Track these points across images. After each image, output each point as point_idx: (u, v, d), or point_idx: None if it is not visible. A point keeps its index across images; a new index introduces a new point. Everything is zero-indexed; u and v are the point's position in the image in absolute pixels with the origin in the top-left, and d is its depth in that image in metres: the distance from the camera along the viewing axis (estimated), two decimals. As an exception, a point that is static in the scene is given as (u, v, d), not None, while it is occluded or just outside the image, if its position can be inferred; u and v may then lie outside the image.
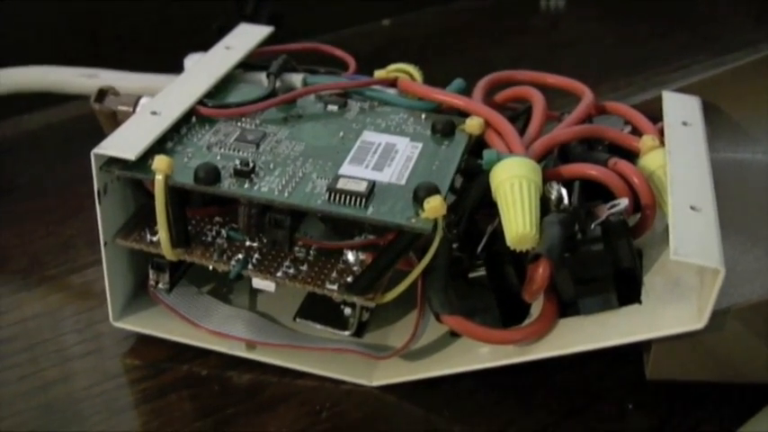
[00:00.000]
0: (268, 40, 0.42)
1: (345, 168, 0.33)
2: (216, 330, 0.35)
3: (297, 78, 0.39)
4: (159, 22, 0.59)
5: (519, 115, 0.39)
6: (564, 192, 0.33)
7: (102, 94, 0.39)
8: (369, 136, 0.35)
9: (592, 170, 0.34)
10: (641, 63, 0.61)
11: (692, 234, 0.29)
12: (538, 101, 0.37)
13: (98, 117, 0.39)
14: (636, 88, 0.58)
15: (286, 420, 0.33)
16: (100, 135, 0.52)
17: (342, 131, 0.35)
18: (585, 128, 0.37)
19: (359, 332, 0.36)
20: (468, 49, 0.64)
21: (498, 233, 0.33)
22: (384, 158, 0.34)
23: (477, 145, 0.36)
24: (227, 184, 0.32)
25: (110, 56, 0.59)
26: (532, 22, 0.68)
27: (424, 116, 0.37)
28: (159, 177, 0.31)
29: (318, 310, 0.36)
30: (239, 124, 0.35)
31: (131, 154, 0.32)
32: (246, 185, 0.32)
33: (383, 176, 0.32)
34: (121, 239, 0.34)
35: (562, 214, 0.32)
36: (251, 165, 0.32)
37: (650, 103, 0.40)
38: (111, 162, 0.32)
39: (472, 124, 0.35)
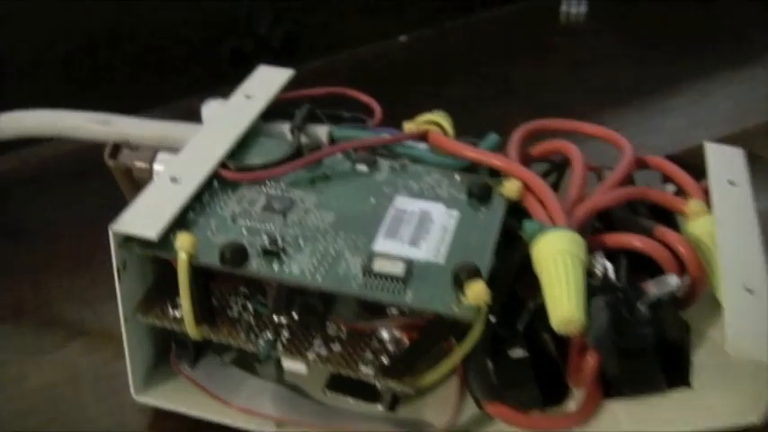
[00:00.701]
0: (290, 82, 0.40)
1: (380, 243, 0.31)
2: (243, 407, 0.34)
3: (322, 131, 0.37)
4: (171, 43, 0.57)
5: (554, 169, 0.38)
6: (609, 266, 0.32)
7: (117, 149, 0.37)
8: (402, 202, 0.33)
9: (638, 242, 0.32)
10: (666, 82, 0.59)
11: (747, 323, 0.28)
12: (577, 159, 0.35)
13: (113, 173, 0.37)
14: (659, 109, 0.57)
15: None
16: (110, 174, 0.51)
17: (373, 197, 0.34)
18: (629, 191, 0.35)
19: (392, 405, 0.34)
20: (488, 67, 0.62)
21: (540, 309, 0.32)
22: (420, 230, 0.32)
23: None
24: (256, 266, 0.30)
25: (120, 77, 0.57)
26: (552, 37, 0.66)
27: (458, 177, 0.35)
28: (183, 257, 0.30)
29: (349, 381, 0.35)
30: (264, 189, 0.34)
31: (153, 232, 0.30)
32: (276, 267, 0.30)
33: (420, 253, 0.31)
34: (142, 315, 0.32)
35: (609, 294, 0.30)
36: (279, 243, 0.30)
37: (692, 152, 0.38)
38: (131, 238, 0.31)
39: (510, 188, 0.34)
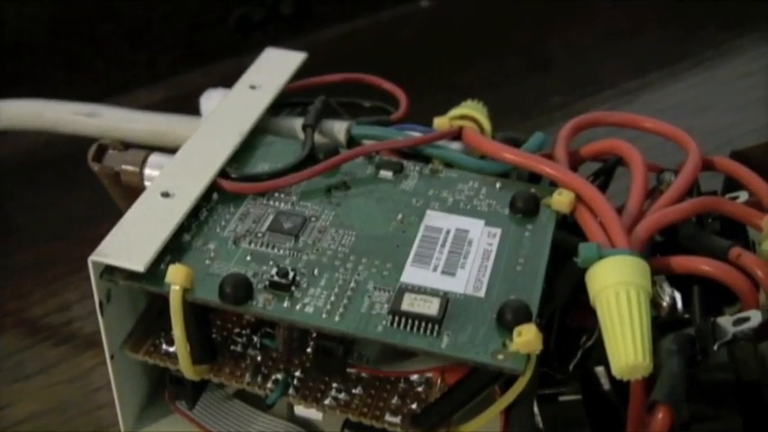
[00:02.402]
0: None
1: (409, 273, 0.26)
2: (250, 450, 0.29)
3: (339, 129, 0.32)
4: (171, 14, 0.52)
5: (603, 171, 0.33)
6: (678, 296, 0.27)
7: (102, 149, 0.32)
8: (434, 219, 0.28)
9: (708, 266, 0.27)
10: (718, 51, 0.54)
11: None
12: (637, 164, 0.30)
13: (99, 178, 0.32)
14: (713, 82, 0.51)
15: None
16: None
17: (400, 213, 0.29)
18: (699, 203, 0.30)
19: (420, 451, 0.30)
20: (519, 35, 0.56)
21: (596, 344, 0.27)
22: (456, 255, 0.27)
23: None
24: (262, 303, 0.25)
25: (116, 53, 0.52)
26: (587, 6, 0.60)
27: (498, 185, 0.30)
28: (175, 291, 0.25)
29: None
30: (272, 202, 0.29)
31: (139, 264, 0.25)
32: (286, 304, 0.25)
33: (457, 285, 0.26)
34: (131, 351, 0.28)
35: (680, 336, 0.26)
36: (290, 275, 0.26)
37: (760, 148, 0.33)
38: (113, 270, 0.26)
39: (561, 201, 0.29)
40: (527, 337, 0.24)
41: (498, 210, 0.29)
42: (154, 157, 0.31)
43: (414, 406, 0.27)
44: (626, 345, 0.24)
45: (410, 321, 0.24)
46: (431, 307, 0.25)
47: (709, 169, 0.32)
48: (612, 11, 0.58)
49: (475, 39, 0.55)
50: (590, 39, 0.56)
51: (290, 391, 0.27)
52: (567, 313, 0.28)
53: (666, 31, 0.56)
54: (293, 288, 0.25)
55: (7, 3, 0.48)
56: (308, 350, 0.27)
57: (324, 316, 0.25)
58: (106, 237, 0.26)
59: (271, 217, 0.28)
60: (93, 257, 0.26)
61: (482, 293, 0.26)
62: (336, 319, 0.25)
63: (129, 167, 0.31)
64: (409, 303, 0.25)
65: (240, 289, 0.25)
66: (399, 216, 0.29)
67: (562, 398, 0.27)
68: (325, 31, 0.55)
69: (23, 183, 0.45)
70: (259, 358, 0.28)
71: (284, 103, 0.34)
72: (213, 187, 0.29)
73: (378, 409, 0.27)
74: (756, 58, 0.53)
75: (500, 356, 0.24)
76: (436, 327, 0.24)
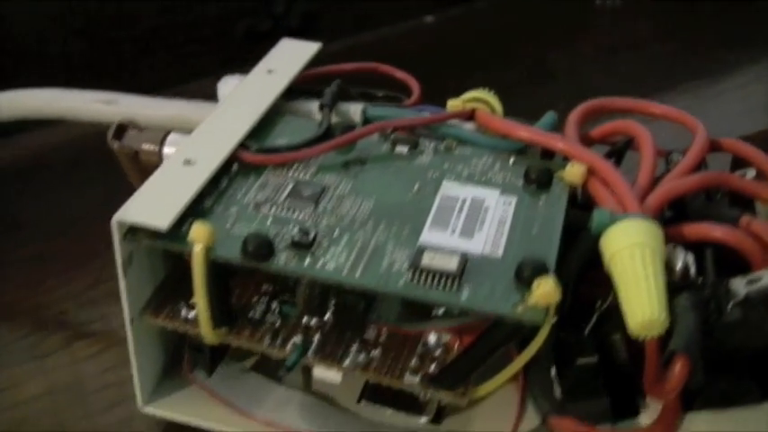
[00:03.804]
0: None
1: (427, 235, 0.27)
2: (266, 419, 0.29)
3: (355, 109, 0.33)
4: (182, 22, 0.53)
5: (614, 153, 0.33)
6: (691, 260, 0.27)
7: (122, 129, 0.33)
8: (450, 189, 0.29)
9: (719, 232, 0.28)
10: (708, 71, 0.55)
11: None
12: (646, 140, 0.31)
13: (117, 157, 0.33)
14: (710, 94, 0.52)
15: None
16: (111, 158, 0.46)
17: (416, 183, 0.29)
18: (708, 176, 0.30)
19: (437, 418, 0.30)
20: (521, 48, 0.57)
21: (610, 312, 0.28)
22: (472, 220, 0.27)
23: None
24: (284, 260, 0.26)
25: (128, 60, 0.53)
26: (588, 20, 0.61)
27: (512, 160, 0.31)
28: (198, 250, 0.25)
29: (387, 391, 0.30)
30: (291, 173, 0.29)
31: (163, 221, 0.26)
32: (308, 261, 0.26)
33: (474, 245, 0.26)
34: (151, 316, 0.28)
35: (695, 293, 0.26)
36: (311, 234, 0.26)
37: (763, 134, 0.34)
38: (138, 229, 0.26)
39: (573, 173, 0.29)
40: (545, 289, 0.24)
41: (513, 181, 0.30)
42: (173, 136, 0.32)
43: (432, 368, 0.27)
44: (642, 301, 0.25)
45: (430, 277, 0.25)
46: (450, 263, 0.25)
47: (717, 150, 0.33)
48: (613, 25, 0.60)
49: (478, 54, 0.56)
50: (591, 53, 0.57)
51: (309, 353, 0.27)
52: (581, 283, 0.28)
53: (666, 45, 0.58)
54: (314, 247, 0.26)
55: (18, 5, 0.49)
56: (328, 312, 0.28)
57: (345, 272, 0.25)
58: (128, 200, 0.27)
59: (290, 186, 0.29)
60: (116, 217, 0.26)
61: (499, 254, 0.26)
62: (357, 274, 0.25)
63: (149, 146, 0.32)
64: (429, 259, 0.25)
65: (262, 246, 0.26)
66: (416, 186, 0.29)
67: (579, 362, 0.28)
68: (330, 45, 0.56)
69: (29, 183, 0.45)
70: (277, 324, 0.28)
71: (299, 90, 0.35)
72: (233, 158, 0.29)
73: (397, 369, 0.27)
74: (757, 72, 0.54)
75: (519, 309, 0.24)
76: (456, 281, 0.25)
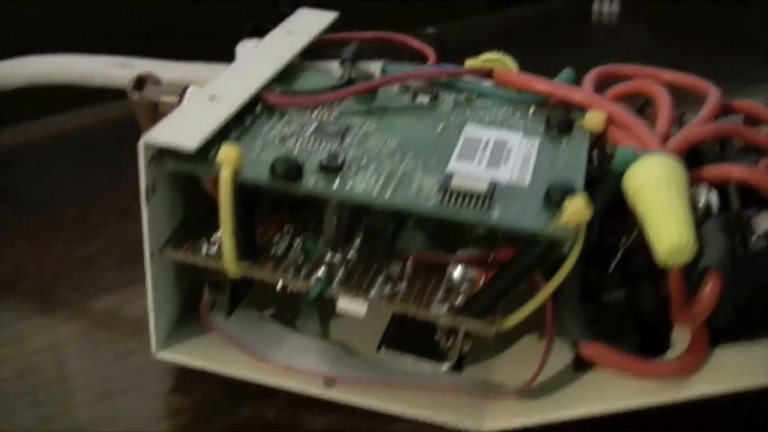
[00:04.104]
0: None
1: (454, 165, 0.27)
2: (285, 364, 0.29)
3: (375, 66, 0.33)
4: (186, 22, 0.54)
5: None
6: (714, 199, 0.28)
7: (142, 82, 0.33)
8: (473, 131, 0.29)
9: (742, 172, 0.28)
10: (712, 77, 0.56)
11: None
12: (663, 97, 0.32)
13: (135, 109, 0.33)
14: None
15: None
16: (119, 144, 0.46)
17: (440, 124, 0.29)
18: (724, 126, 0.31)
19: (459, 365, 0.30)
20: (524, 61, 0.58)
21: (636, 247, 0.28)
22: (497, 155, 0.28)
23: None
24: (313, 182, 0.26)
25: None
26: (587, 32, 0.63)
27: (532, 110, 0.31)
28: (226, 173, 0.25)
29: (407, 338, 0.30)
30: (314, 115, 0.30)
31: (191, 143, 0.26)
32: (337, 183, 0.26)
33: (501, 175, 0.26)
34: (172, 251, 0.28)
35: (721, 220, 0.26)
36: (340, 159, 0.26)
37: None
38: (163, 155, 0.26)
39: (593, 120, 0.30)
40: (577, 206, 0.24)
41: (534, 128, 0.30)
42: (193, 89, 0.32)
43: (459, 300, 0.27)
44: (669, 227, 0.25)
45: (460, 198, 0.25)
46: (480, 184, 0.25)
47: (730, 112, 0.33)
48: (611, 39, 0.61)
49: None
50: (592, 65, 0.58)
51: (334, 284, 0.27)
52: (605, 224, 0.28)
53: (663, 57, 0.59)
54: (343, 171, 0.26)
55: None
56: (354, 246, 0.28)
57: (374, 193, 0.25)
58: (154, 127, 0.27)
59: (315, 125, 0.29)
60: (143, 140, 0.26)
61: (526, 183, 0.26)
62: (387, 195, 0.25)
63: (168, 98, 0.32)
64: (459, 182, 0.25)
65: (291, 168, 0.25)
66: (439, 127, 0.29)
67: (606, 298, 0.27)
68: (362, 32, 0.56)
69: (36, 166, 0.45)
70: (300, 260, 0.28)
71: (317, 53, 0.35)
72: (257, 100, 0.30)
73: (423, 300, 0.27)
74: (758, 84, 0.55)
75: (551, 227, 0.24)
76: (486, 202, 0.25)
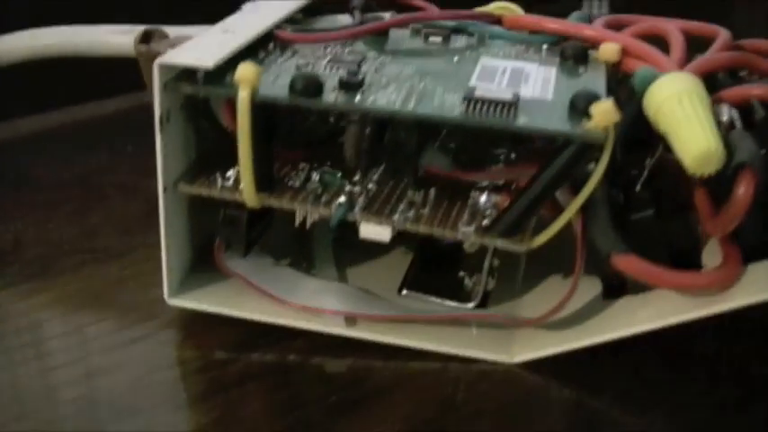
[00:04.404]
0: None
1: (475, 83, 0.26)
2: (304, 305, 0.28)
3: (384, 15, 0.33)
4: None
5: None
6: (736, 114, 0.27)
7: (148, 35, 0.32)
8: (489, 61, 0.29)
9: (762, 90, 0.28)
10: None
11: None
12: (674, 33, 0.31)
13: (141, 64, 0.33)
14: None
15: (410, 407, 0.25)
16: (118, 132, 0.46)
17: (455, 56, 0.29)
18: (738, 56, 0.31)
19: (483, 304, 0.29)
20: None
21: (662, 166, 0.27)
22: (516, 78, 0.27)
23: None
24: (333, 97, 0.25)
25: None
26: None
27: (545, 47, 0.31)
28: (244, 94, 0.25)
29: (429, 280, 0.29)
30: (328, 50, 0.29)
31: (207, 62, 0.25)
32: (358, 98, 0.25)
33: (523, 92, 0.26)
34: (186, 184, 0.27)
35: (747, 130, 0.26)
36: (360, 76, 0.25)
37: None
38: (179, 80, 0.26)
39: (607, 50, 0.29)
40: (605, 107, 0.24)
41: (549, 60, 0.30)
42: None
43: (485, 222, 0.26)
44: (696, 136, 0.24)
45: (485, 106, 0.24)
46: (504, 94, 0.25)
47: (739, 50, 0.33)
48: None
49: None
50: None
51: (356, 209, 0.26)
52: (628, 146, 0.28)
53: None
54: (363, 87, 0.25)
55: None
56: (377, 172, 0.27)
57: (398, 105, 0.25)
58: (169, 52, 0.26)
59: (330, 56, 0.28)
60: (160, 60, 0.25)
61: (549, 97, 0.26)
62: (411, 106, 0.25)
63: (176, 50, 0.32)
64: (483, 92, 0.25)
65: (311, 83, 0.25)
66: (455, 58, 0.29)
67: (634, 217, 0.27)
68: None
69: (35, 153, 0.44)
70: (319, 190, 0.27)
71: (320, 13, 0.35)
72: (270, 37, 0.29)
73: (449, 222, 0.26)
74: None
75: (579, 130, 0.24)
76: (512, 109, 0.24)
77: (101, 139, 0.44)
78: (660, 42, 0.32)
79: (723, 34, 0.33)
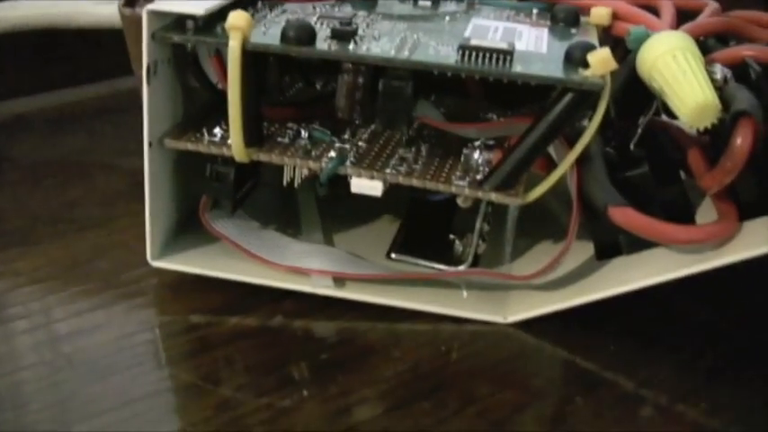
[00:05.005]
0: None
1: (470, 35, 0.26)
2: (292, 266, 0.27)
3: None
4: None
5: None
6: (729, 73, 0.27)
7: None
8: (481, 21, 0.29)
9: (754, 51, 0.28)
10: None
11: None
12: (665, 3, 0.31)
13: (124, 28, 0.32)
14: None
15: (402, 365, 0.25)
16: (98, 115, 0.45)
17: (446, 18, 0.29)
18: (727, 21, 0.31)
19: (474, 266, 0.28)
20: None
21: (655, 124, 0.27)
22: (509, 35, 0.27)
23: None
24: (327, 46, 0.24)
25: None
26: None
27: (535, 12, 0.31)
28: (235, 42, 0.24)
29: (418, 244, 0.29)
30: (317, 9, 0.29)
31: (198, 9, 0.25)
32: (351, 46, 0.24)
33: (518, 46, 0.26)
34: (173, 140, 0.26)
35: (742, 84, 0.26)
36: (354, 25, 0.25)
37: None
38: (167, 30, 0.25)
39: (598, 14, 0.29)
40: (602, 56, 0.23)
41: (542, 22, 0.29)
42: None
43: (479, 176, 0.25)
44: (693, 89, 0.24)
45: (481, 54, 0.24)
46: (500, 43, 0.24)
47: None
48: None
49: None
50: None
51: (347, 162, 0.26)
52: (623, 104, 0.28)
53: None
54: (356, 36, 0.25)
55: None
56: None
57: (392, 53, 0.24)
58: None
59: (320, 11, 0.28)
60: (150, 7, 0.25)
61: (544, 50, 0.26)
62: (405, 54, 0.24)
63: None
64: (478, 41, 0.24)
65: (303, 31, 0.24)
66: (446, 19, 0.29)
67: (630, 173, 0.26)
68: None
69: (13, 135, 0.42)
70: (309, 146, 0.26)
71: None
72: (257, -4, 0.29)
73: (442, 176, 0.25)
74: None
75: (576, 77, 0.24)
76: (508, 57, 0.24)
77: (79, 123, 0.43)
78: (650, 12, 0.32)
79: (711, 4, 0.33)
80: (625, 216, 0.24)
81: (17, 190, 0.35)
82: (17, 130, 0.42)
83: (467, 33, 0.27)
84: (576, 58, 0.24)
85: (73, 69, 0.48)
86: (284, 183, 0.27)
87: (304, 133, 0.27)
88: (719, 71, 0.27)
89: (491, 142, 0.27)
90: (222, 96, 0.26)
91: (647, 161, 0.26)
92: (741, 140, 0.24)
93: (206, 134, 0.26)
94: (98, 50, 0.51)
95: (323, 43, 0.24)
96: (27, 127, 0.43)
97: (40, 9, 0.36)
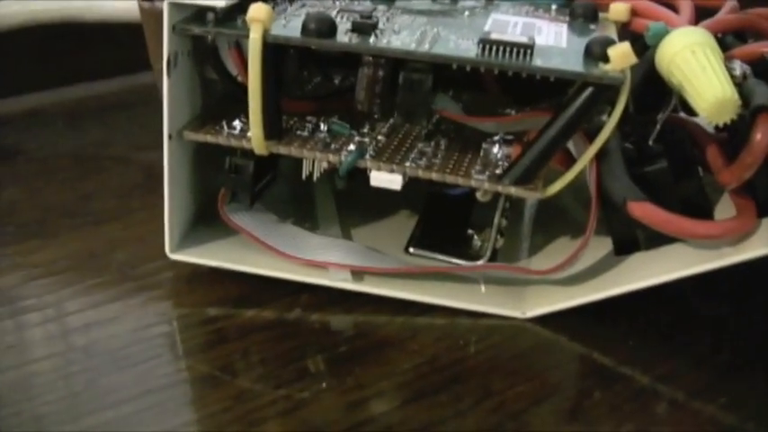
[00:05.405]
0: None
1: (490, 29, 0.26)
2: (310, 259, 0.27)
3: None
4: None
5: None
6: (748, 69, 0.27)
7: (152, -6, 0.32)
8: (500, 16, 0.29)
9: (768, 47, 0.28)
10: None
11: None
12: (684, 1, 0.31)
13: (143, 21, 0.32)
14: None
15: (419, 358, 0.25)
16: (112, 111, 0.45)
17: (465, 13, 0.29)
18: (743, 17, 0.31)
19: (492, 260, 0.28)
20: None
21: (674, 120, 0.27)
22: (529, 30, 0.27)
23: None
24: (348, 39, 0.24)
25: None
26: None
27: (554, 8, 0.31)
28: (256, 35, 0.24)
29: (436, 238, 0.29)
30: (337, 2, 0.29)
31: (219, 0, 0.25)
32: (372, 39, 0.24)
33: (538, 41, 0.26)
34: (192, 132, 0.26)
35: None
36: (374, 18, 0.25)
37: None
38: (188, 22, 0.25)
39: (617, 10, 0.29)
40: (623, 49, 0.23)
41: (560, 18, 0.29)
42: (204, 0, 0.31)
43: (498, 171, 0.25)
44: (712, 84, 0.24)
45: (501, 48, 0.24)
46: (520, 38, 0.24)
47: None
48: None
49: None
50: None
51: (367, 155, 0.26)
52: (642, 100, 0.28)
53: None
54: (377, 30, 0.25)
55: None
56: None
57: (413, 47, 0.24)
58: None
59: (340, 4, 0.28)
60: (169, 0, 0.25)
61: (564, 45, 0.26)
62: (426, 47, 0.24)
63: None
64: (498, 36, 0.24)
65: (324, 23, 0.24)
66: (465, 14, 0.29)
67: (648, 168, 0.26)
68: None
69: (28, 128, 0.43)
70: (328, 139, 0.26)
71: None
72: (277, -11, 0.29)
73: (461, 170, 0.25)
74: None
75: (597, 71, 0.24)
76: (528, 52, 0.24)
77: (94, 117, 0.44)
78: (669, 9, 0.32)
79: (730, 2, 0.33)
80: (644, 210, 0.24)
81: (33, 183, 0.35)
82: (32, 124, 0.43)
83: (486, 28, 0.27)
84: (595, 53, 0.24)
85: (89, 64, 0.48)
86: (303, 176, 0.27)
87: (323, 127, 0.27)
88: (738, 67, 0.27)
89: (510, 137, 0.27)
90: (242, 89, 0.26)
91: (665, 157, 0.27)
92: (761, 135, 0.24)
93: (225, 127, 0.26)
94: (114, 45, 0.52)
95: (344, 36, 0.24)
96: (42, 121, 0.43)
97: (56, 3, 0.36)
